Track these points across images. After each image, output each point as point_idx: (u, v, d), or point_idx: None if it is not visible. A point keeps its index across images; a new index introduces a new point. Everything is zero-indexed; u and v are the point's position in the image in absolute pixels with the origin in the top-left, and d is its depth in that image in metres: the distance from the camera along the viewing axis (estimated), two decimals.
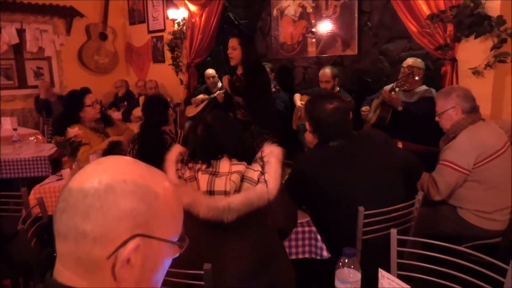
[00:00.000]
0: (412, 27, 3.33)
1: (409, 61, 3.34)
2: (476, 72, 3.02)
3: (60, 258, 0.64)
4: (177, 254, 0.72)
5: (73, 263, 0.62)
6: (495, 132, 2.19)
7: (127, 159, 0.70)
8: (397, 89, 3.13)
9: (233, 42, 3.20)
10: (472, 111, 2.19)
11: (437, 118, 2.31)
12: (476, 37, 2.97)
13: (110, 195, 0.61)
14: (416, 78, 3.19)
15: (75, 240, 0.61)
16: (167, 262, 0.70)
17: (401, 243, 1.55)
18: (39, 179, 2.87)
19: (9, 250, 2.09)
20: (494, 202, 2.13)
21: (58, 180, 2.64)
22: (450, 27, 3.07)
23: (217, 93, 4.83)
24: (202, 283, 1.30)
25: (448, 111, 2.21)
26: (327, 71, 3.96)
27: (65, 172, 2.63)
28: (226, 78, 3.28)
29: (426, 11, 3.16)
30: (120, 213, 0.61)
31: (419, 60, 3.36)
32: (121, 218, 0.61)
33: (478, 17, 2.91)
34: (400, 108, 3.09)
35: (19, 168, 3.28)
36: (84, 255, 0.61)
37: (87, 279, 0.62)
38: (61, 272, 0.63)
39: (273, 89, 4.50)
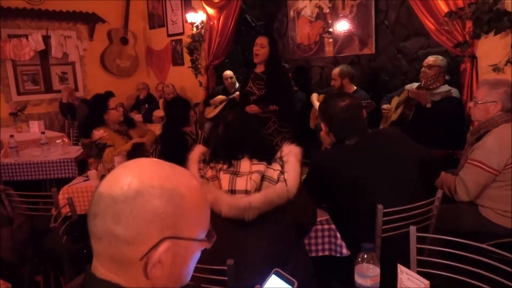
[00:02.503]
0: (430, 24, 3.30)
1: (430, 60, 3.30)
2: (496, 69, 2.97)
3: (96, 256, 0.68)
4: (206, 247, 0.75)
5: (108, 261, 0.67)
6: None
7: (152, 161, 0.72)
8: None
9: (262, 40, 3.21)
10: (511, 110, 2.09)
11: (470, 104, 2.19)
12: (496, 34, 2.92)
13: (138, 200, 0.64)
14: (447, 77, 3.21)
15: (109, 242, 0.65)
16: (196, 256, 0.73)
17: (420, 241, 1.56)
18: (66, 180, 2.97)
19: (41, 246, 2.19)
20: None
21: (85, 180, 2.73)
22: (469, 24, 3.03)
23: (236, 94, 4.89)
24: (225, 278, 1.33)
25: (488, 103, 2.10)
26: (336, 69, 4.02)
27: (91, 173, 2.71)
28: (252, 108, 3.21)
29: (444, 8, 3.12)
30: (149, 216, 0.64)
31: (440, 57, 3.32)
32: (150, 221, 0.64)
33: (498, 13, 2.86)
34: (429, 105, 3.07)
35: (47, 170, 3.39)
36: (117, 255, 0.65)
37: (121, 275, 0.66)
38: (98, 268, 0.68)
39: None
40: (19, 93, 5.78)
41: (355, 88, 4.02)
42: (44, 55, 5.89)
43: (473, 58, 3.10)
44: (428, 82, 3.16)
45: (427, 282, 1.04)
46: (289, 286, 0.95)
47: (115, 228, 0.63)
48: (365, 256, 1.08)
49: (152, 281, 0.67)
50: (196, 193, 0.71)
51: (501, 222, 2.11)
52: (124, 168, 0.69)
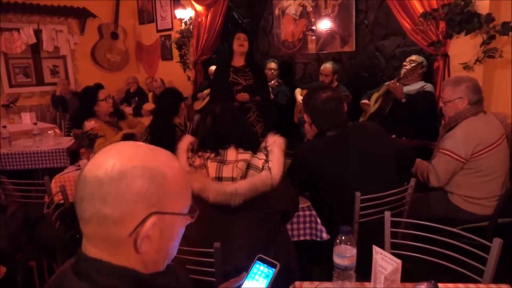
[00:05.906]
0: (406, 24, 3.34)
1: (413, 57, 3.40)
2: (466, 67, 3.04)
3: (86, 238, 0.69)
4: (190, 221, 0.76)
5: (99, 241, 0.67)
6: (493, 124, 2.18)
7: (131, 144, 0.72)
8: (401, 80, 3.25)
9: (245, 36, 3.37)
10: (477, 103, 2.16)
11: (441, 104, 2.28)
12: (466, 34, 2.98)
13: (122, 181, 0.64)
14: (424, 69, 3.30)
15: (98, 223, 0.65)
16: (181, 230, 0.75)
17: (395, 225, 1.59)
18: (57, 170, 2.93)
19: (35, 233, 2.15)
20: (485, 189, 2.15)
21: (76, 170, 2.69)
22: (442, 25, 3.08)
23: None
24: (213, 260, 1.35)
25: (455, 100, 2.17)
26: (328, 65, 4.04)
27: (83, 163, 2.67)
28: (244, 95, 3.28)
29: (419, 9, 3.17)
30: (134, 196, 0.65)
31: (416, 56, 3.43)
32: (135, 200, 0.65)
33: (468, 14, 2.92)
34: (403, 100, 3.16)
35: (39, 159, 3.34)
36: (107, 235, 0.66)
37: (112, 253, 0.67)
38: (89, 248, 0.68)
39: (276, 83, 4.53)
40: (11, 85, 5.65)
41: (336, 83, 4.09)
42: (35, 48, 5.76)
43: (446, 56, 3.16)
44: (407, 74, 3.25)
45: (399, 261, 1.07)
46: (272, 269, 0.96)
47: (103, 209, 0.64)
48: (343, 238, 1.11)
49: (142, 256, 0.68)
50: (176, 171, 0.71)
51: (468, 208, 2.18)
52: (106, 153, 0.69)
